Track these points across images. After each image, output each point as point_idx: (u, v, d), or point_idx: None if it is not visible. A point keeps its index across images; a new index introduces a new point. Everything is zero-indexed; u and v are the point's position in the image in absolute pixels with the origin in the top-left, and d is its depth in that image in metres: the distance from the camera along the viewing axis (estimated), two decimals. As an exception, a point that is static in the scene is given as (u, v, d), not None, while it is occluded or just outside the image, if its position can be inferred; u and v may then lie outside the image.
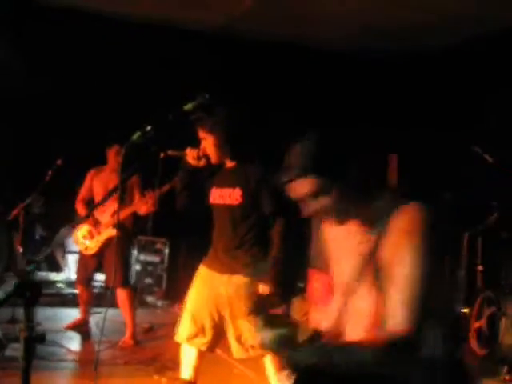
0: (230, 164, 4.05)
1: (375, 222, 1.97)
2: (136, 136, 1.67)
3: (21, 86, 6.54)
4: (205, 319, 4.03)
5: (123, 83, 7.21)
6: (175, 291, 7.52)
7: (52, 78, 6.93)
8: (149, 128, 1.66)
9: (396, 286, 1.85)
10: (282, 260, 3.91)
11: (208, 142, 3.89)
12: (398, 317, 1.82)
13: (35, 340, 1.57)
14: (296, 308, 7.55)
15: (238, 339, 3.98)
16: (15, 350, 5.12)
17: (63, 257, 8.26)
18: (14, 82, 6.50)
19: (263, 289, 3.86)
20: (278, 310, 6.61)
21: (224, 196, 4.00)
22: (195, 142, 3.96)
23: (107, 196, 1.83)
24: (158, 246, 7.94)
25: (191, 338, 4.04)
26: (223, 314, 4.03)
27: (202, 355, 4.14)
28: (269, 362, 4.07)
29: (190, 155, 3.86)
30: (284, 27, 7.27)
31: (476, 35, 6.62)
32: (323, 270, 6.79)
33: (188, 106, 1.77)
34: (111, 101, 7.18)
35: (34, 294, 1.57)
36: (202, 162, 3.92)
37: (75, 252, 7.44)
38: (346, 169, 1.93)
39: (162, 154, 3.89)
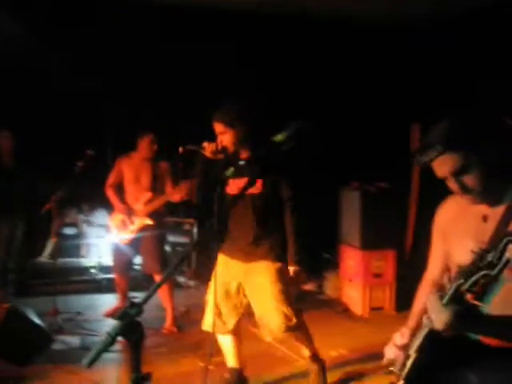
0: (246, 154, 4.03)
1: (494, 202, 2.04)
2: (230, 172, 1.68)
3: (55, 77, 6.56)
4: (227, 307, 4.17)
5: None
6: (205, 270, 7.59)
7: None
8: (242, 163, 1.67)
9: None
10: (301, 241, 4.08)
11: (227, 137, 3.94)
12: None
13: (142, 381, 1.58)
14: (330, 284, 7.65)
15: (269, 322, 4.11)
16: (62, 343, 5.22)
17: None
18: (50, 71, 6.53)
19: (293, 271, 4.04)
20: (309, 286, 6.67)
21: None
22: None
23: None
24: (187, 226, 7.99)
25: (216, 326, 4.14)
26: (247, 299, 4.17)
27: (237, 339, 4.31)
28: (299, 340, 4.33)
29: (208, 149, 3.90)
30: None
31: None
32: (356, 247, 6.85)
33: (279, 138, 1.76)
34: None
35: (138, 336, 1.58)
36: (220, 156, 3.95)
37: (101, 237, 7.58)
38: (489, 147, 1.95)
39: (180, 149, 3.93)
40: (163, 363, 4.91)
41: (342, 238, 6.87)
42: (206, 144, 3.94)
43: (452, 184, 2.04)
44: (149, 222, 5.71)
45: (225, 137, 3.94)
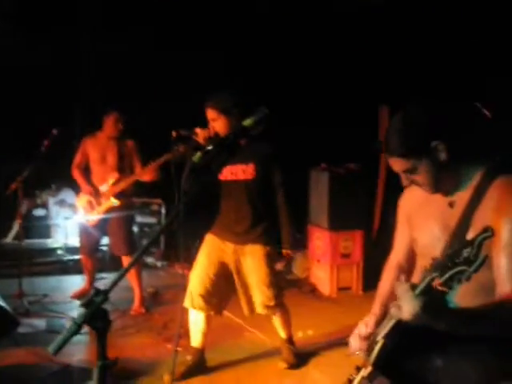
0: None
1: (459, 188, 2.07)
2: (197, 157, 1.66)
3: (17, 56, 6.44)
4: (214, 285, 4.30)
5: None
6: (173, 251, 7.61)
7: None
8: (210, 148, 1.65)
9: (511, 253, 1.89)
10: (291, 224, 4.30)
11: (219, 123, 4.03)
12: None
13: (109, 367, 1.57)
14: (298, 264, 7.68)
15: (251, 300, 4.33)
16: (29, 325, 5.17)
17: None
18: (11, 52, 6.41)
19: (286, 254, 4.29)
20: (278, 266, 6.76)
21: (237, 172, 4.17)
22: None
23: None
24: (154, 207, 7.96)
25: (202, 304, 4.27)
26: (234, 279, 4.32)
27: (210, 320, 4.39)
28: (277, 322, 4.50)
29: (201, 135, 3.93)
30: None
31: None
32: (324, 227, 6.88)
33: (247, 122, 1.75)
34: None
35: (104, 323, 1.57)
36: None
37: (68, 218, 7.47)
38: (436, 149, 1.98)
39: (173, 133, 3.92)
40: (131, 345, 4.91)
41: (311, 219, 6.90)
42: (198, 130, 4.00)
43: (403, 179, 2.10)
44: (116, 202, 5.64)
45: (217, 123, 4.03)
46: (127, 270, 1.67)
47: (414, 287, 1.78)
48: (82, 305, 1.56)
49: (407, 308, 1.78)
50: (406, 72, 7.31)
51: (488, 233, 1.67)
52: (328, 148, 7.10)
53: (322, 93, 7.74)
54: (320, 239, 6.65)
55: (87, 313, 1.55)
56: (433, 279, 1.75)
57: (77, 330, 1.55)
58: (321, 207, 6.61)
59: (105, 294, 1.56)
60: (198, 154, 1.65)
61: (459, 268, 1.68)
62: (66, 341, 1.53)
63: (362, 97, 7.50)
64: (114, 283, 1.62)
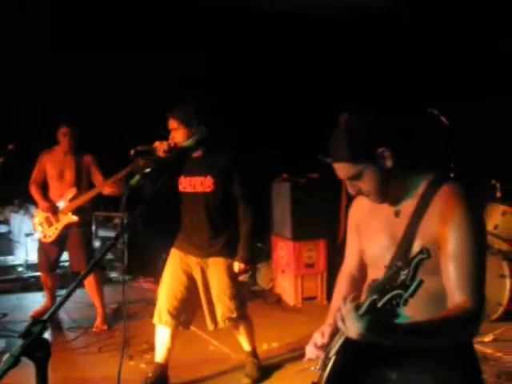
0: (197, 153, 4.15)
1: (405, 197, 2.05)
2: (135, 180, 1.63)
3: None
4: (181, 300, 4.27)
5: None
6: (136, 265, 7.50)
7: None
8: (148, 170, 1.63)
9: (459, 262, 1.87)
10: (251, 238, 4.25)
11: (179, 133, 4.02)
12: (467, 293, 1.86)
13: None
14: (262, 275, 7.63)
15: (214, 313, 4.31)
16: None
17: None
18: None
19: (239, 267, 4.20)
20: (242, 277, 6.73)
21: (195, 184, 4.16)
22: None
23: None
24: (116, 220, 7.84)
25: (169, 320, 4.25)
26: (199, 293, 4.30)
27: (176, 336, 4.36)
28: (241, 334, 4.49)
29: (161, 149, 3.89)
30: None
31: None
32: (287, 237, 6.84)
33: (187, 143, 1.75)
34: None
35: (43, 353, 1.51)
36: (173, 154, 3.97)
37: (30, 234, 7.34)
38: (381, 155, 1.96)
39: (132, 152, 3.87)
40: (93, 364, 4.82)
41: (274, 230, 6.89)
42: (157, 143, 3.95)
43: (349, 187, 2.07)
44: (74, 218, 5.55)
45: (176, 133, 4.02)
46: (67, 297, 1.61)
47: (358, 307, 1.76)
48: (20, 335, 1.50)
49: (352, 328, 1.76)
50: (366, 80, 7.37)
51: (424, 254, 1.64)
52: (290, 158, 7.10)
53: (282, 102, 7.74)
54: (284, 249, 6.64)
55: (25, 344, 1.49)
56: (374, 300, 1.73)
57: (14, 363, 1.49)
58: (283, 218, 6.60)
59: (44, 322, 1.51)
60: (137, 177, 1.62)
61: (396, 292, 1.64)
62: (2, 375, 1.47)
63: (323, 104, 7.51)
64: (56, 309, 1.57)
